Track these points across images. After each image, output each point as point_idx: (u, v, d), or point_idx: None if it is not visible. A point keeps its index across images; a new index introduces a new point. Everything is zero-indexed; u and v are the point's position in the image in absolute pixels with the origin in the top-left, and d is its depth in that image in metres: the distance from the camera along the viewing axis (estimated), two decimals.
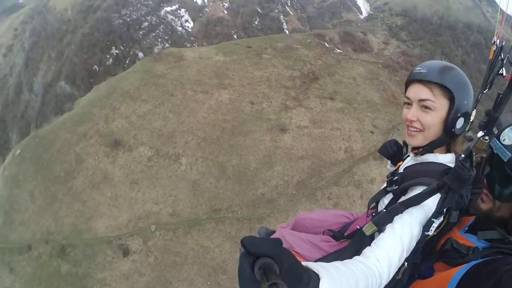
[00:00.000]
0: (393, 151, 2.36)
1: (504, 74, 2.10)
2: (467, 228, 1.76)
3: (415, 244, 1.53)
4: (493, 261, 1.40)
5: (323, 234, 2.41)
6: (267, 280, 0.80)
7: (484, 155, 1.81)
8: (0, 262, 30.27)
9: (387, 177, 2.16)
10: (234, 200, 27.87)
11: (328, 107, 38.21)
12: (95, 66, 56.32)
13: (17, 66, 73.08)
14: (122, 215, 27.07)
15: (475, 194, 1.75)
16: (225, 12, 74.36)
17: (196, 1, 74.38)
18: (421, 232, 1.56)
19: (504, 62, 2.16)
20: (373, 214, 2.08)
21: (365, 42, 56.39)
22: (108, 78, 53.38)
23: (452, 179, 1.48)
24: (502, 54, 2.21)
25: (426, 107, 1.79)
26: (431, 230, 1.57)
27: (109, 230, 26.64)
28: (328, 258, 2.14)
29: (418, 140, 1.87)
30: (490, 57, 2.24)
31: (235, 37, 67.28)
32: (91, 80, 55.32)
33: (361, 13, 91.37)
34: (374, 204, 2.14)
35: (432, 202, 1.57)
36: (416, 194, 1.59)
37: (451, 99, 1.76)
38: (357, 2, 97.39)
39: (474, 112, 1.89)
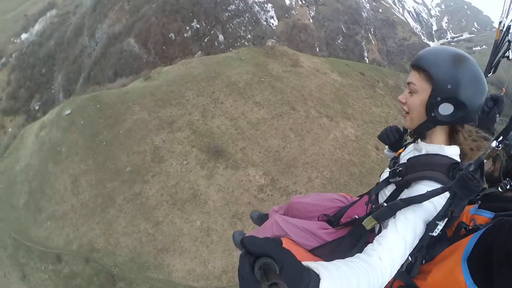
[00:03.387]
0: (395, 139, 2.14)
1: (511, 57, 1.95)
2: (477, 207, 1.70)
3: (418, 241, 1.41)
4: (503, 219, 1.37)
5: (318, 219, 2.24)
6: (267, 280, 0.75)
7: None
8: (11, 258, 20.64)
9: (389, 167, 1.94)
10: None
11: None
12: (172, 34, 46.57)
13: (83, 7, 63.30)
14: (214, 260, 17.43)
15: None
16: (311, 20, 64.99)
17: (284, 0, 64.82)
18: (425, 230, 1.42)
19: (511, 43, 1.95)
20: (373, 205, 1.86)
21: None
22: (195, 52, 43.89)
23: (459, 187, 1.32)
24: (509, 35, 2.01)
25: (411, 90, 1.70)
26: (436, 231, 1.41)
27: (192, 277, 17.07)
28: (325, 247, 2.00)
29: (407, 122, 1.78)
30: (496, 37, 1.98)
31: (317, 50, 57.91)
32: (164, 47, 45.60)
33: None
34: (375, 194, 1.93)
35: (437, 200, 1.42)
36: (420, 195, 1.42)
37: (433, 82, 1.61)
38: None
39: None
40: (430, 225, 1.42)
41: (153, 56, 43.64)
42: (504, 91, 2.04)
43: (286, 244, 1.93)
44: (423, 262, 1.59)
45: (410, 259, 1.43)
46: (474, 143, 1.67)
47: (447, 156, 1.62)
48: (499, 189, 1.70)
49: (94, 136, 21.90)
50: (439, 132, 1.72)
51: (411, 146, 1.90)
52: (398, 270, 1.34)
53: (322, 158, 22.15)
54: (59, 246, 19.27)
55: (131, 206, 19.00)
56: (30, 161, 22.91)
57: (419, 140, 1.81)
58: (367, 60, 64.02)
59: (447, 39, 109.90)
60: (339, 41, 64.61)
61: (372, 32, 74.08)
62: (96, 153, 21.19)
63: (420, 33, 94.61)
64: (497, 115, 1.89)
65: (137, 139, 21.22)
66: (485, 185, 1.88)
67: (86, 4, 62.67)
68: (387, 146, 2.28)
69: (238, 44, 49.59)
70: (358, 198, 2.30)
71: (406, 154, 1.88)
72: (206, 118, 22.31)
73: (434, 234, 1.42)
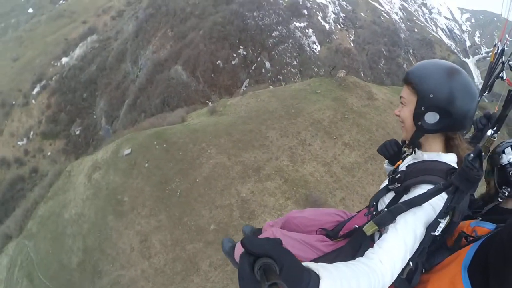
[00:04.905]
0: (394, 152, 2.14)
1: (505, 78, 2.03)
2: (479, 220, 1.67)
3: (418, 245, 1.40)
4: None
5: (316, 233, 2.23)
6: (267, 280, 0.75)
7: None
8: None
9: (388, 175, 1.99)
10: None
11: None
12: (219, 61, 44.38)
13: (125, 33, 62.44)
14: None
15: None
16: (351, 44, 62.31)
17: (324, 25, 62.59)
18: (425, 233, 1.41)
19: (505, 65, 2.07)
20: (374, 212, 1.86)
21: None
22: (243, 80, 41.58)
23: (460, 180, 1.30)
24: (503, 57, 2.09)
25: (402, 103, 1.75)
26: (438, 230, 1.40)
27: None
28: (324, 258, 1.99)
29: (404, 133, 1.82)
30: (491, 59, 2.10)
31: (362, 74, 54.96)
32: (212, 75, 43.33)
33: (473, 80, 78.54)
34: (374, 203, 1.92)
35: (436, 203, 1.42)
36: (421, 194, 1.43)
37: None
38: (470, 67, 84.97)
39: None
40: (432, 224, 1.39)
41: (202, 85, 41.32)
42: (497, 109, 2.05)
43: None
44: (423, 271, 1.51)
45: (411, 264, 1.38)
46: (469, 150, 1.60)
47: (444, 162, 1.62)
48: (499, 199, 1.72)
49: (165, 184, 18.63)
50: (436, 141, 1.71)
51: (409, 157, 1.90)
52: (399, 277, 1.31)
53: None
54: None
55: (221, 274, 15.72)
56: (83, 210, 19.07)
57: (416, 150, 1.80)
58: None
59: (482, 54, 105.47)
60: (381, 65, 61.59)
61: (412, 53, 70.87)
62: (169, 206, 17.90)
63: (455, 50, 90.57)
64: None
65: (219, 189, 18.13)
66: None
67: (128, 30, 61.72)
68: (386, 160, 2.23)
69: (285, 71, 47.13)
70: (356, 212, 2.26)
71: (405, 163, 1.85)
72: (296, 164, 19.28)
73: (437, 233, 1.38)
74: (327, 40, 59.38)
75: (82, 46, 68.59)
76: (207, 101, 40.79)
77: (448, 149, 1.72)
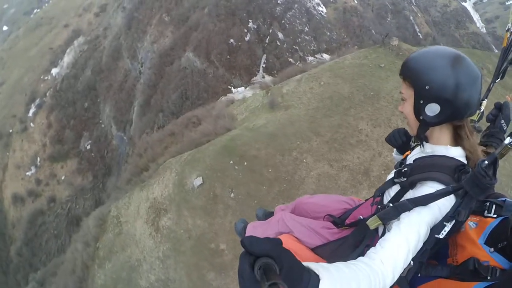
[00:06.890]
0: (402, 141, 1.95)
1: None
2: (487, 236, 1.42)
3: (421, 245, 1.32)
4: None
5: (323, 219, 2.11)
6: (267, 280, 0.74)
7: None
8: None
9: (395, 167, 1.83)
10: None
11: None
12: (232, 40, 38.59)
13: (114, 27, 55.66)
14: None
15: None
16: (355, 1, 56.36)
17: None
18: (429, 233, 1.34)
19: None
20: (378, 205, 1.74)
21: None
22: (260, 57, 36.50)
23: (471, 185, 1.25)
24: None
25: (402, 99, 1.66)
26: (442, 233, 1.34)
27: None
28: (328, 245, 1.91)
29: (409, 129, 1.72)
30: (504, 44, 1.83)
31: (373, 32, 49.74)
32: (228, 56, 37.61)
33: (474, 23, 73.96)
34: (379, 194, 1.81)
35: (443, 203, 1.34)
36: (428, 194, 1.34)
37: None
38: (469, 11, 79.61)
39: (484, 103, 1.64)
40: (437, 227, 1.33)
41: (221, 70, 35.71)
42: (509, 98, 1.95)
43: (289, 241, 1.91)
44: (418, 275, 1.46)
45: (411, 263, 1.33)
46: (476, 139, 1.57)
47: (453, 158, 1.51)
48: None
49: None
50: (443, 132, 1.59)
51: (417, 148, 1.77)
52: (400, 275, 1.28)
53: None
54: None
55: None
56: (168, 273, 12.41)
57: (424, 143, 1.67)
58: (420, 35, 55.55)
59: None
60: (389, 19, 56.05)
61: (414, 4, 65.44)
62: None
63: None
64: (503, 122, 1.71)
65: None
66: None
67: (117, 24, 54.74)
68: (395, 149, 2.07)
69: (299, 39, 41.71)
70: (364, 200, 2.16)
71: (413, 155, 1.76)
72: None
73: (441, 236, 1.33)
74: (331, 0, 53.57)
75: (70, 52, 61.62)
76: (229, 87, 35.35)
77: (456, 140, 1.59)
